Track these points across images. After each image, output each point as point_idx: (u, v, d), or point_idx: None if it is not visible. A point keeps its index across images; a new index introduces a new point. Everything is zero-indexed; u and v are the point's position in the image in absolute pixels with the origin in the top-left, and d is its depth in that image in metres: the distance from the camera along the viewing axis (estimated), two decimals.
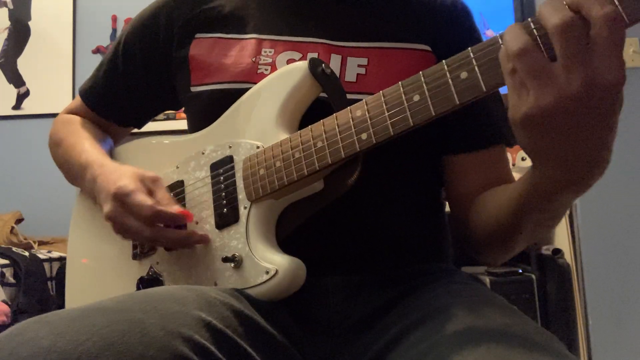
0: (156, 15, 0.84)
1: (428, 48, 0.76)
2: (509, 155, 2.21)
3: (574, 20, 0.44)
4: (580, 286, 1.88)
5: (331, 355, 0.65)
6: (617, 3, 0.44)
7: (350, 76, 0.73)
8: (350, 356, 0.64)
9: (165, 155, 0.79)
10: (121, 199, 0.68)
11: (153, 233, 0.68)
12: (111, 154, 0.87)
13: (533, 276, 1.83)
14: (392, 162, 0.72)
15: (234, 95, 0.73)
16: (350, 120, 0.60)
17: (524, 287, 1.81)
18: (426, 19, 0.79)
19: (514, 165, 1.98)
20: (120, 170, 0.72)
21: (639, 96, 1.95)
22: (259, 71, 0.74)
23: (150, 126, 1.00)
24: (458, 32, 0.78)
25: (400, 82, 0.57)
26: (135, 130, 0.98)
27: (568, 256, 1.88)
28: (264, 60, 0.74)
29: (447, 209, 0.83)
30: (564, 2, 0.45)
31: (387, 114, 0.57)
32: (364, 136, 0.59)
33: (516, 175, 2.27)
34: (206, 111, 0.76)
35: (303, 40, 0.75)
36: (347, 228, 0.70)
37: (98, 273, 0.85)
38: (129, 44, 0.86)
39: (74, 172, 0.83)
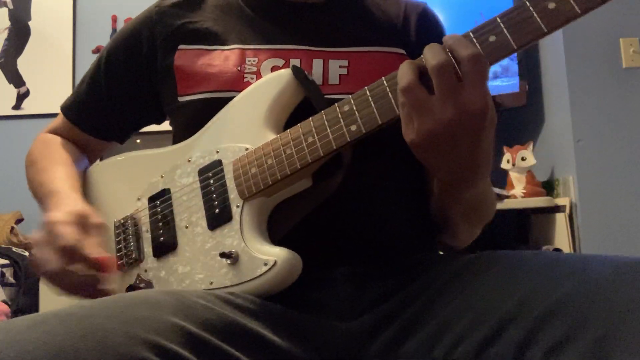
0: (139, 30, 0.86)
1: (402, 51, 0.81)
2: (509, 155, 2.20)
3: (447, 61, 0.56)
4: None
5: (343, 339, 0.66)
6: (478, 46, 0.57)
7: (333, 78, 0.76)
8: (362, 339, 0.65)
9: (150, 167, 0.79)
10: (47, 227, 0.67)
11: (60, 267, 0.65)
12: (85, 173, 0.87)
13: None
14: (388, 155, 0.75)
15: (220, 104, 0.75)
16: (339, 114, 0.65)
17: None
18: (400, 25, 0.85)
19: (514, 165, 1.98)
20: (64, 202, 0.72)
21: (639, 96, 1.95)
22: (245, 79, 0.76)
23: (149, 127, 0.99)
24: (429, 37, 0.80)
25: (383, 77, 0.63)
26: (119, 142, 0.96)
27: None
28: (249, 69, 0.77)
29: None
30: (441, 47, 0.57)
31: (373, 105, 0.63)
32: (353, 127, 0.63)
33: (516, 176, 2.25)
34: (193, 120, 0.77)
35: (284, 47, 0.79)
36: (348, 221, 0.72)
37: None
38: (111, 59, 0.87)
39: (38, 197, 0.82)
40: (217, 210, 0.70)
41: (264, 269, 0.64)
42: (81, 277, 0.65)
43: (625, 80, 1.96)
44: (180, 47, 0.81)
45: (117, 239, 0.79)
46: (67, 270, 0.65)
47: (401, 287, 0.68)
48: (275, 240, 0.68)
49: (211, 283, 0.68)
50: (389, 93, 0.62)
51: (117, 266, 0.69)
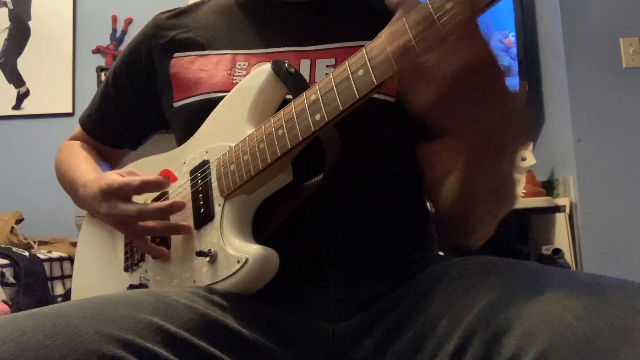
0: (138, 46, 0.91)
1: None
2: None
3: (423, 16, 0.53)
4: None
5: (331, 339, 0.65)
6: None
7: (320, 77, 0.76)
8: (351, 340, 0.65)
9: (152, 172, 0.83)
10: (108, 190, 0.74)
11: (141, 207, 0.72)
12: None
13: None
14: (377, 152, 0.75)
15: (212, 105, 0.77)
16: (305, 103, 0.63)
17: None
18: (386, 17, 0.83)
19: None
20: (99, 177, 0.79)
21: (639, 96, 1.95)
22: (234, 81, 0.78)
23: None
24: None
25: (346, 61, 0.60)
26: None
27: (568, 256, 1.88)
28: (238, 72, 0.79)
29: None
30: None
31: (335, 91, 0.60)
32: (317, 117, 0.61)
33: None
34: (188, 123, 0.80)
35: (274, 50, 0.81)
36: (338, 219, 0.72)
37: (97, 287, 0.88)
38: (117, 74, 0.94)
39: (71, 192, 0.89)
40: (202, 209, 0.71)
41: (237, 266, 0.64)
42: (158, 204, 0.72)
43: (625, 80, 1.96)
44: (175, 55, 0.86)
45: (126, 242, 0.83)
46: (145, 207, 0.72)
47: (391, 288, 0.67)
48: (263, 238, 0.68)
49: (194, 282, 0.69)
50: (350, 76, 0.58)
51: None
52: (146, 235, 0.75)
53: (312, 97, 0.62)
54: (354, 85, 0.58)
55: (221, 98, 0.76)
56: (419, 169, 0.81)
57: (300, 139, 0.62)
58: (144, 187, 0.73)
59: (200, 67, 0.82)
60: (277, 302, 0.66)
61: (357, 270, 0.70)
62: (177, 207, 0.72)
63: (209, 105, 0.77)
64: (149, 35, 0.90)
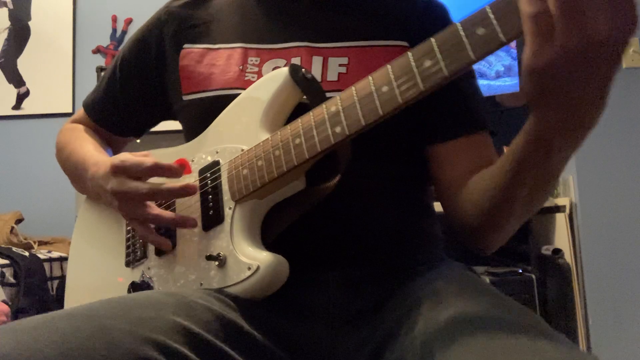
0: (149, 32, 0.88)
1: (406, 44, 0.79)
2: None
3: None
4: (580, 286, 1.88)
5: (331, 347, 0.65)
6: None
7: (332, 76, 0.76)
8: (350, 348, 0.65)
9: None
10: (120, 166, 0.72)
11: (152, 186, 0.70)
12: None
13: (533, 276, 1.83)
14: (380, 156, 0.74)
15: (223, 102, 0.76)
16: (325, 114, 0.62)
17: (524, 287, 1.81)
18: (402, 16, 0.82)
19: None
20: (112, 157, 0.77)
21: (639, 96, 1.95)
22: (246, 78, 0.77)
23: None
24: (434, 28, 0.80)
25: (369, 75, 0.59)
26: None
27: (568, 256, 1.88)
28: (250, 68, 0.78)
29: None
30: None
31: (358, 106, 0.59)
32: (337, 129, 0.61)
33: None
34: (198, 119, 0.79)
35: (286, 46, 0.79)
36: (340, 224, 0.71)
37: (96, 282, 0.87)
38: (125, 60, 0.91)
39: (76, 174, 0.87)
40: (211, 211, 0.71)
41: (248, 273, 0.64)
42: (169, 186, 0.71)
43: (625, 80, 1.95)
44: (186, 46, 0.83)
45: (127, 236, 0.82)
46: (156, 186, 0.70)
47: (389, 294, 0.67)
48: (268, 241, 0.68)
49: (201, 284, 0.68)
50: (374, 92, 0.58)
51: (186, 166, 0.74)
52: (151, 224, 0.73)
53: (333, 109, 0.62)
54: (377, 101, 0.58)
55: (233, 95, 0.75)
56: (428, 170, 0.80)
57: (319, 149, 0.62)
58: (156, 170, 0.71)
59: (212, 62, 0.80)
60: (279, 308, 0.66)
61: (357, 275, 0.69)
62: (190, 190, 0.70)
63: (220, 103, 0.76)
64: (161, 21, 0.87)
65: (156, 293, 0.59)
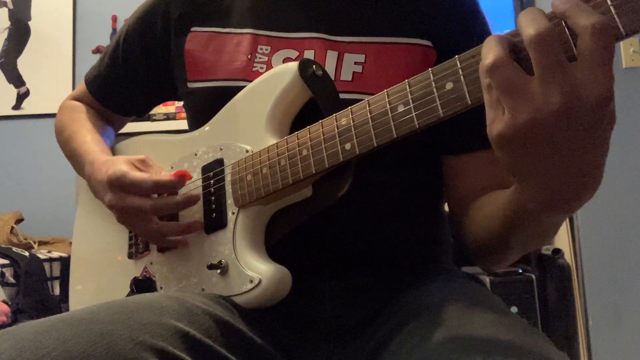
0: (155, 8, 0.84)
1: (429, 43, 0.73)
2: None
3: (550, 31, 0.42)
4: (580, 286, 1.88)
5: (328, 357, 0.65)
6: (613, 12, 0.41)
7: (346, 75, 0.71)
8: (347, 358, 0.64)
9: (162, 155, 0.79)
10: (117, 183, 0.69)
11: (154, 202, 0.68)
12: (112, 150, 0.88)
13: (533, 276, 1.83)
14: (388, 164, 0.70)
15: (229, 93, 0.72)
16: (335, 128, 0.58)
17: (524, 287, 1.81)
18: (427, 11, 0.76)
19: None
20: (110, 161, 0.74)
21: (639, 96, 1.95)
22: (254, 69, 0.73)
23: (150, 126, 1.02)
24: (461, 26, 0.75)
25: (386, 90, 0.55)
26: (137, 130, 0.99)
27: (568, 256, 1.88)
28: (259, 58, 0.73)
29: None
30: (542, 12, 0.43)
31: (371, 124, 0.55)
32: (347, 146, 0.57)
33: None
34: (202, 109, 0.76)
35: (299, 36, 0.74)
36: (341, 232, 0.69)
37: (98, 272, 0.86)
38: (128, 37, 0.87)
39: (75, 162, 0.84)
40: (214, 214, 0.69)
41: (250, 286, 0.62)
42: (174, 199, 0.69)
43: (625, 80, 1.95)
44: (193, 29, 0.79)
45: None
46: (161, 201, 0.69)
47: (385, 306, 0.65)
48: (270, 244, 0.67)
49: (203, 289, 0.68)
50: (389, 111, 0.54)
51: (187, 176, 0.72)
52: (157, 234, 0.72)
53: (344, 122, 0.58)
54: (392, 122, 0.54)
55: (239, 88, 0.72)
56: (441, 179, 0.76)
57: (327, 165, 0.59)
58: (157, 188, 0.69)
59: (219, 48, 0.76)
60: (279, 315, 0.65)
61: (354, 286, 0.68)
62: (191, 202, 0.69)
63: (225, 94, 0.72)
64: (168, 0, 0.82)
65: (158, 297, 0.59)
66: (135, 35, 0.86)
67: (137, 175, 0.69)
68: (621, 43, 1.95)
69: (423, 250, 0.74)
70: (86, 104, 0.94)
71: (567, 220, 1.90)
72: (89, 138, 0.84)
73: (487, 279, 1.81)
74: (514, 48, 0.45)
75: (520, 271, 1.87)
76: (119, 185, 0.69)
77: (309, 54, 0.72)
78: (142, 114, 0.95)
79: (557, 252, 1.87)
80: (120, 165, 0.71)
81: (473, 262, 0.75)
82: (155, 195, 0.71)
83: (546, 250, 1.91)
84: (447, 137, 0.74)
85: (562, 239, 1.92)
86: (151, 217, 0.70)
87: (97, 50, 2.73)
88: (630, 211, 1.88)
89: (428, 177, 0.76)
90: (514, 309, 1.75)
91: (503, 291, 1.77)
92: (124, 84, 0.89)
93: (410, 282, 0.68)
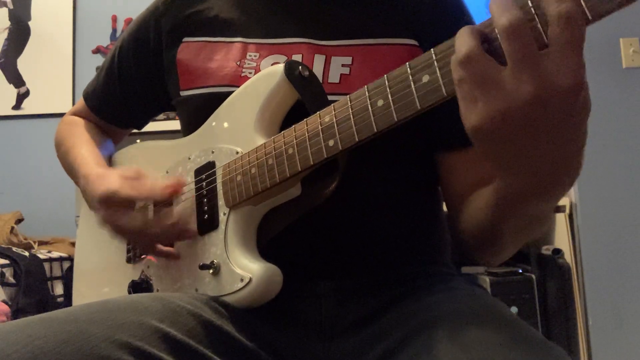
0: (146, 22, 0.86)
1: (415, 42, 0.74)
2: None
3: (521, 19, 0.42)
4: (580, 286, 1.88)
5: (322, 358, 0.64)
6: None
7: (333, 77, 0.72)
8: (343, 359, 0.63)
9: (158, 160, 0.81)
10: (108, 200, 0.69)
11: (145, 220, 0.69)
12: (110, 159, 0.90)
13: (533, 276, 1.83)
14: (381, 163, 0.71)
15: (219, 99, 0.74)
16: (319, 125, 0.59)
17: (524, 287, 1.81)
18: (411, 10, 0.77)
19: None
20: (102, 176, 0.74)
21: (639, 96, 1.95)
22: (242, 74, 0.74)
23: (150, 126, 1.02)
24: (445, 23, 0.74)
25: (366, 86, 0.55)
26: (136, 130, 1.01)
27: (568, 256, 1.88)
28: (248, 64, 0.75)
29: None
30: (514, 1, 0.43)
31: (352, 119, 0.56)
32: (331, 143, 0.58)
33: None
34: (194, 115, 0.78)
35: (287, 41, 0.75)
36: (335, 232, 0.69)
37: (99, 276, 0.88)
38: (123, 51, 0.89)
39: (72, 175, 0.86)
40: (206, 215, 0.70)
41: (240, 285, 0.63)
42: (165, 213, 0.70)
43: (625, 80, 1.96)
44: (185, 39, 0.81)
45: None
46: (151, 219, 0.69)
47: (384, 308, 0.65)
48: (262, 244, 0.67)
49: (196, 290, 0.68)
50: (369, 106, 0.54)
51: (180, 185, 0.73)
52: (150, 247, 0.72)
53: (327, 119, 0.59)
54: (372, 117, 0.54)
55: (229, 93, 0.73)
56: (436, 176, 0.76)
57: (312, 163, 0.60)
58: (151, 202, 0.70)
59: (209, 56, 0.78)
60: (271, 316, 0.66)
61: (349, 287, 0.68)
62: (185, 216, 0.70)
63: (215, 100, 0.74)
64: (159, 12, 0.84)
65: (142, 297, 0.59)
66: (130, 50, 0.88)
67: (128, 193, 0.69)
68: (621, 43, 1.96)
69: (417, 249, 0.74)
70: (85, 118, 0.95)
71: (567, 220, 1.90)
72: (84, 150, 0.85)
73: (487, 279, 1.81)
74: (486, 38, 0.45)
75: (520, 271, 1.87)
76: (110, 203, 0.69)
77: (296, 59, 0.73)
78: (141, 126, 0.97)
79: (557, 252, 1.87)
80: (113, 182, 0.70)
81: (473, 259, 0.74)
82: (151, 205, 0.71)
83: (546, 250, 1.91)
84: (438, 134, 0.74)
85: (562, 239, 1.92)
86: (144, 232, 0.70)
87: (97, 50, 2.73)
88: (630, 211, 1.89)
89: (422, 176, 0.76)
90: (514, 309, 1.75)
91: (503, 291, 1.78)
92: (121, 97, 0.91)
93: (411, 287, 0.68)
